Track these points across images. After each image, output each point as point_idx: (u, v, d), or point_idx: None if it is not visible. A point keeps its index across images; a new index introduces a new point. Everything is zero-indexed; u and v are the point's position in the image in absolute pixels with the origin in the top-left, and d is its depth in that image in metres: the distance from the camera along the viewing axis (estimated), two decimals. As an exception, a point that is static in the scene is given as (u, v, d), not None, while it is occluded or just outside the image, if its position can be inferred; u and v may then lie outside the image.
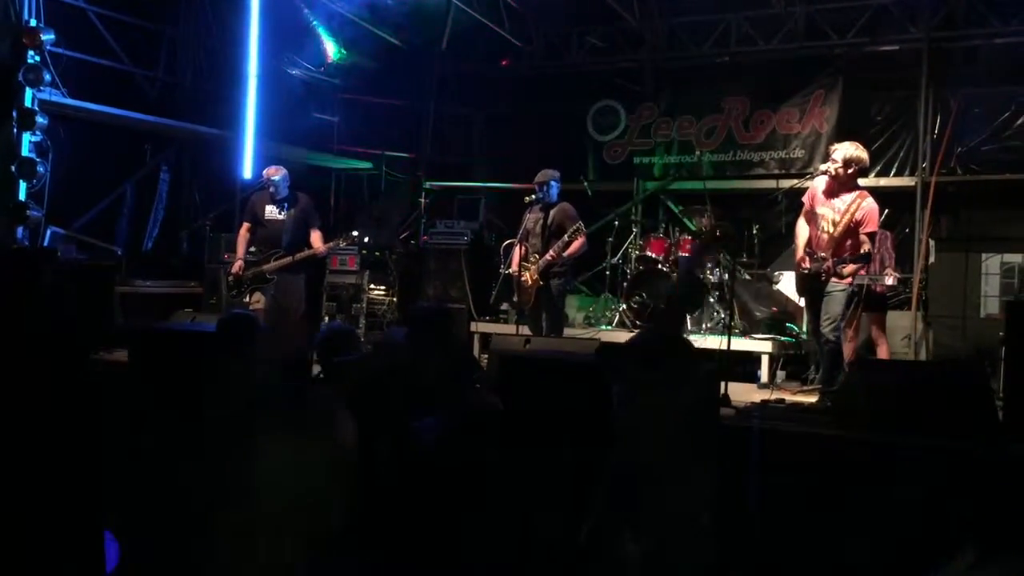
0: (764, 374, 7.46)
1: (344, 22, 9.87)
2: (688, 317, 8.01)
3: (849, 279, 5.86)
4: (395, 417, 3.04)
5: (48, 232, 7.63)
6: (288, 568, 1.34)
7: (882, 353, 6.98)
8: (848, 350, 6.46)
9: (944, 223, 8.78)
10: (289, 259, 7.08)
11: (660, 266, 8.39)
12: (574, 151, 9.92)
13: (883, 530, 4.02)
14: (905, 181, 8.72)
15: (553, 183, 7.00)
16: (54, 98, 7.58)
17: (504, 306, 8.72)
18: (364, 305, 9.07)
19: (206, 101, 9.25)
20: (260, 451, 1.36)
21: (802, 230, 6.15)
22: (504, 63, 10.80)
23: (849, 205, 5.82)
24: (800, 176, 8.10)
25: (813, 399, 6.14)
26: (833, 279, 5.86)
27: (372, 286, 9.24)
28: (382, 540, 2.89)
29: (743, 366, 7.43)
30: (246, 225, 7.27)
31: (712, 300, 8.16)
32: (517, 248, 7.16)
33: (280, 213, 7.17)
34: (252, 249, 7.28)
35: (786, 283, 6.82)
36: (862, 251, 5.73)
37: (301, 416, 1.42)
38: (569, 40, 10.43)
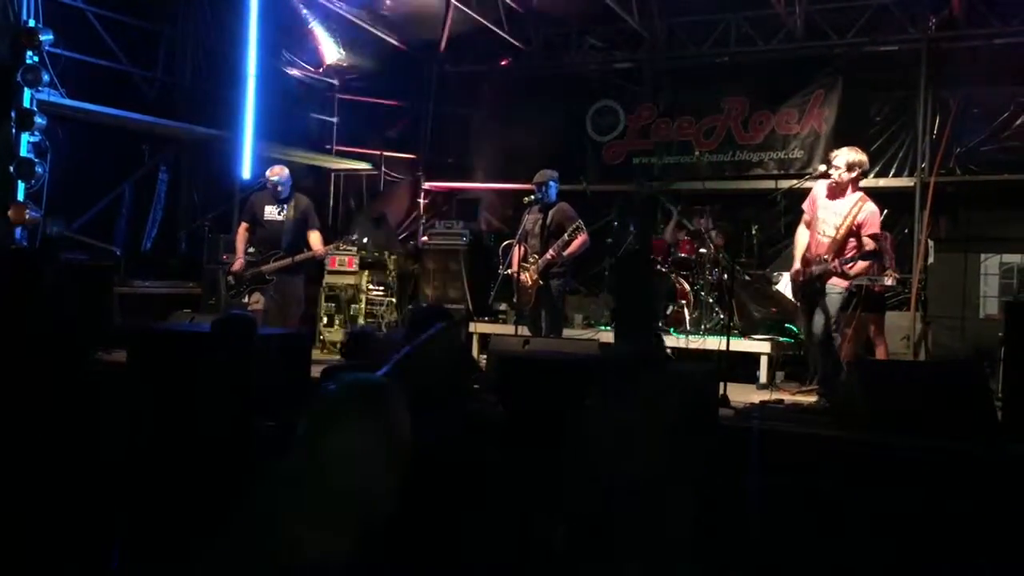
0: (763, 375, 7.46)
1: (343, 22, 9.87)
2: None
3: (848, 283, 5.90)
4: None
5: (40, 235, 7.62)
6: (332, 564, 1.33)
7: (881, 354, 6.97)
8: (847, 351, 6.47)
9: (943, 223, 8.77)
10: (289, 260, 7.09)
11: (659, 266, 8.40)
12: (573, 151, 9.91)
13: (882, 531, 4.02)
14: (904, 181, 8.72)
15: (552, 183, 7.00)
16: (52, 98, 7.57)
17: (503, 306, 8.72)
18: (363, 306, 9.07)
19: (205, 101, 9.24)
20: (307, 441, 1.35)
21: (801, 238, 6.19)
22: (503, 63, 10.80)
23: (851, 208, 5.88)
24: (799, 177, 8.12)
25: (812, 400, 6.14)
26: (833, 280, 5.88)
27: (371, 287, 9.24)
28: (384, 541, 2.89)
29: (742, 367, 7.42)
30: (244, 225, 7.27)
31: (711, 301, 8.16)
32: (516, 248, 7.16)
33: (280, 214, 7.18)
34: (251, 250, 7.28)
35: (785, 284, 6.82)
36: (867, 249, 5.76)
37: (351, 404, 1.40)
38: (568, 40, 10.42)
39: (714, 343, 7.03)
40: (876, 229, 5.92)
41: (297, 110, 10.13)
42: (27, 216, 7.33)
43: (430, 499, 2.96)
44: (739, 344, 7.40)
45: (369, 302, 9.15)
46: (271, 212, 7.20)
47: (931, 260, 8.40)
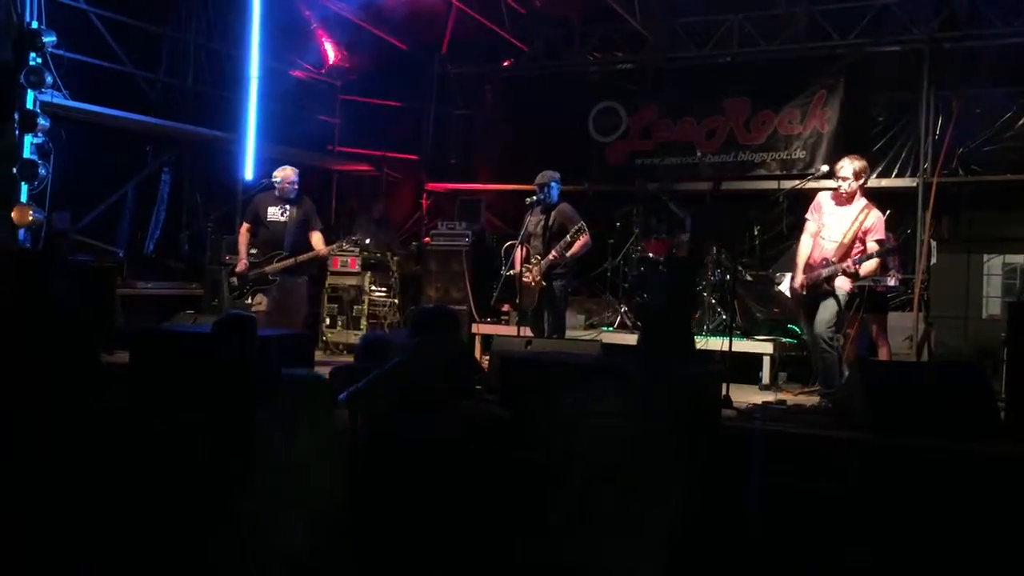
0: (766, 375, 7.45)
1: (345, 23, 9.88)
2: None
3: (851, 286, 5.94)
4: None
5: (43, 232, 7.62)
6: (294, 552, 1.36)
7: (883, 354, 6.98)
8: (850, 351, 6.47)
9: (946, 224, 8.77)
10: (292, 260, 7.11)
11: (661, 267, 8.40)
12: (575, 152, 9.90)
13: (884, 531, 4.01)
14: (907, 182, 8.72)
15: (554, 184, 7.00)
16: (56, 100, 7.58)
17: (505, 307, 8.72)
18: (365, 307, 9.08)
19: (207, 103, 9.25)
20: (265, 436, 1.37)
21: (804, 247, 6.21)
22: (505, 64, 10.81)
23: (857, 215, 5.99)
24: (801, 177, 8.11)
25: (814, 400, 6.14)
26: (839, 282, 5.92)
27: (373, 287, 9.24)
28: (382, 539, 2.90)
29: (744, 368, 7.42)
30: (246, 226, 7.29)
31: (713, 301, 8.15)
32: (518, 249, 7.16)
33: (283, 215, 7.22)
34: (253, 251, 7.29)
35: (787, 284, 6.83)
36: (880, 249, 5.82)
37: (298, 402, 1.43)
38: (570, 41, 10.43)
39: (716, 344, 7.03)
40: (882, 235, 6.02)
41: (299, 111, 10.14)
42: (31, 217, 7.33)
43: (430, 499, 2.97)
44: (741, 345, 7.39)
45: (372, 303, 9.15)
46: (274, 213, 7.23)
47: (934, 260, 8.40)
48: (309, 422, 1.29)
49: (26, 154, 7.38)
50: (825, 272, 5.96)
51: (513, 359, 5.51)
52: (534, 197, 7.08)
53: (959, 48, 8.66)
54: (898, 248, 7.16)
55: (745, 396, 6.34)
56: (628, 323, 8.46)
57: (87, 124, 8.25)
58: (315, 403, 1.31)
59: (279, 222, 7.21)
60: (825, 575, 4.01)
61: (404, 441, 2.99)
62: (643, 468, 1.63)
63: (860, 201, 6.07)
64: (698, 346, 7.49)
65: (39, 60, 7.36)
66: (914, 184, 8.57)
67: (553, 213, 6.96)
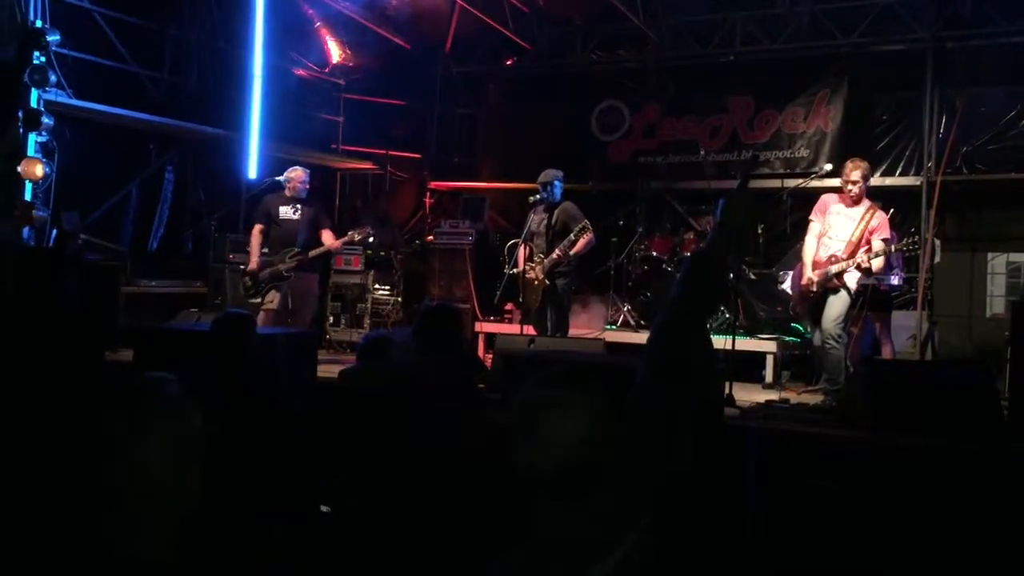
0: (769, 374, 7.45)
1: (348, 22, 9.88)
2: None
3: (857, 283, 5.97)
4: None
5: (54, 232, 7.64)
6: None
7: (887, 353, 6.98)
8: (853, 350, 6.48)
9: (949, 222, 8.76)
10: (304, 256, 7.20)
11: (664, 266, 8.39)
12: (578, 151, 9.90)
13: (887, 530, 4.01)
14: (910, 180, 8.71)
15: (557, 183, 7.00)
16: (59, 99, 7.59)
17: (509, 306, 8.72)
18: (369, 305, 9.09)
19: (211, 101, 9.25)
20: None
21: (809, 248, 6.22)
22: (508, 63, 10.81)
23: (864, 214, 6.06)
24: (805, 175, 8.12)
25: (818, 399, 6.14)
26: (846, 279, 5.94)
27: (377, 286, 9.26)
28: (384, 538, 2.90)
29: (748, 366, 7.42)
30: (259, 226, 7.37)
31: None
32: (521, 248, 7.17)
33: (295, 213, 7.33)
34: (264, 250, 7.37)
35: (789, 283, 6.83)
36: (883, 248, 5.90)
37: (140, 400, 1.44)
38: (573, 40, 10.42)
39: (720, 342, 7.02)
40: (887, 234, 6.08)
41: (303, 110, 10.15)
42: (34, 215, 7.35)
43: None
44: (745, 343, 7.39)
45: (375, 301, 9.16)
46: (286, 212, 7.34)
47: (937, 259, 8.39)
48: (154, 424, 1.30)
49: (30, 153, 7.40)
50: (834, 268, 5.98)
51: (516, 358, 5.52)
52: (537, 196, 7.08)
53: (963, 47, 8.64)
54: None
55: (748, 395, 6.34)
56: (631, 322, 8.45)
57: (91, 123, 8.26)
58: (162, 404, 1.32)
59: (292, 220, 7.32)
60: (826, 575, 4.01)
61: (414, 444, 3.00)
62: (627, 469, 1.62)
63: (865, 202, 6.13)
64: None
65: (43, 59, 7.38)
66: (918, 183, 8.57)
67: (556, 212, 6.96)
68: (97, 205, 8.61)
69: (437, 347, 3.33)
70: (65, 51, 7.71)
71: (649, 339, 1.95)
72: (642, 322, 8.35)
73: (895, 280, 6.84)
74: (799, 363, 7.75)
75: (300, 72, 10.26)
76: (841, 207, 6.12)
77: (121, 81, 8.50)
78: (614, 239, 8.85)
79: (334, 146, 10.74)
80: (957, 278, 8.64)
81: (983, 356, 7.34)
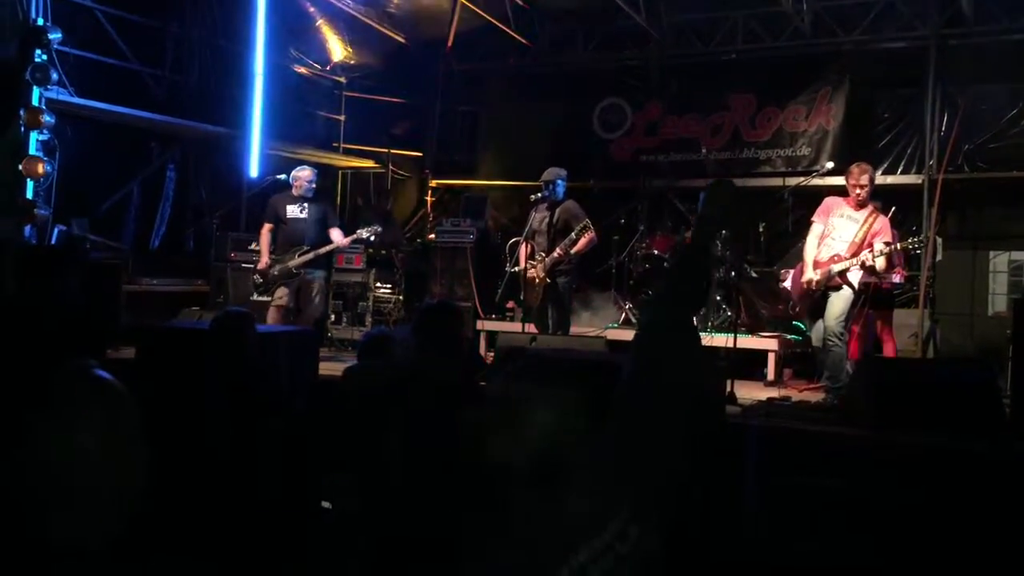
0: (770, 372, 7.45)
1: (350, 20, 9.87)
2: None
3: (859, 281, 5.98)
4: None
5: (56, 230, 7.65)
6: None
7: (889, 351, 6.98)
8: (855, 348, 6.48)
9: (951, 221, 8.76)
10: (313, 254, 7.22)
11: (666, 264, 8.38)
12: (579, 149, 9.89)
13: (887, 528, 4.01)
14: (912, 179, 8.70)
15: (560, 181, 6.99)
16: (61, 97, 7.59)
17: (510, 304, 8.72)
18: (370, 303, 9.09)
19: (212, 100, 9.26)
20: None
21: (810, 248, 6.22)
22: (510, 61, 10.80)
23: (867, 217, 6.06)
24: (807, 174, 8.11)
25: (819, 397, 6.14)
26: (849, 277, 5.94)
27: (378, 284, 9.26)
28: (388, 538, 2.90)
29: (749, 364, 7.42)
30: (268, 225, 7.43)
31: (718, 298, 8.14)
32: (523, 246, 7.17)
33: (302, 212, 7.37)
34: (272, 248, 7.40)
35: (789, 281, 6.83)
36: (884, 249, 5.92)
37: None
38: (575, 37, 10.41)
39: (721, 340, 7.02)
40: (889, 237, 6.08)
41: (304, 108, 10.15)
42: (36, 214, 7.36)
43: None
44: (746, 341, 7.37)
45: (377, 300, 9.17)
46: (293, 211, 7.38)
47: (939, 257, 8.38)
48: (89, 417, 1.32)
49: (32, 151, 7.40)
50: (837, 268, 5.98)
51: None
52: (539, 194, 7.08)
53: (965, 44, 8.63)
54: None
55: (750, 393, 6.34)
56: (633, 320, 8.45)
57: (92, 121, 8.26)
58: (96, 398, 1.34)
59: (299, 219, 7.36)
60: (828, 573, 4.01)
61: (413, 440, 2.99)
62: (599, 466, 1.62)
63: (869, 205, 6.16)
64: (703, 342, 7.52)
65: (44, 57, 7.38)
66: (920, 181, 8.56)
67: (558, 210, 6.96)
68: (99, 203, 8.62)
69: (436, 345, 3.32)
70: (67, 49, 7.71)
71: (635, 336, 1.96)
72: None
73: (897, 278, 6.85)
74: (801, 361, 7.75)
75: (301, 70, 10.26)
76: (847, 209, 6.13)
77: (122, 79, 8.50)
78: (616, 237, 8.85)
79: (335, 144, 10.74)
80: (959, 276, 8.64)
81: (985, 354, 7.34)
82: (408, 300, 9.27)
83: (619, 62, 10.31)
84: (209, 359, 3.73)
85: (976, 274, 8.76)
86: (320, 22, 9.93)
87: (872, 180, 6.11)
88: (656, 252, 8.56)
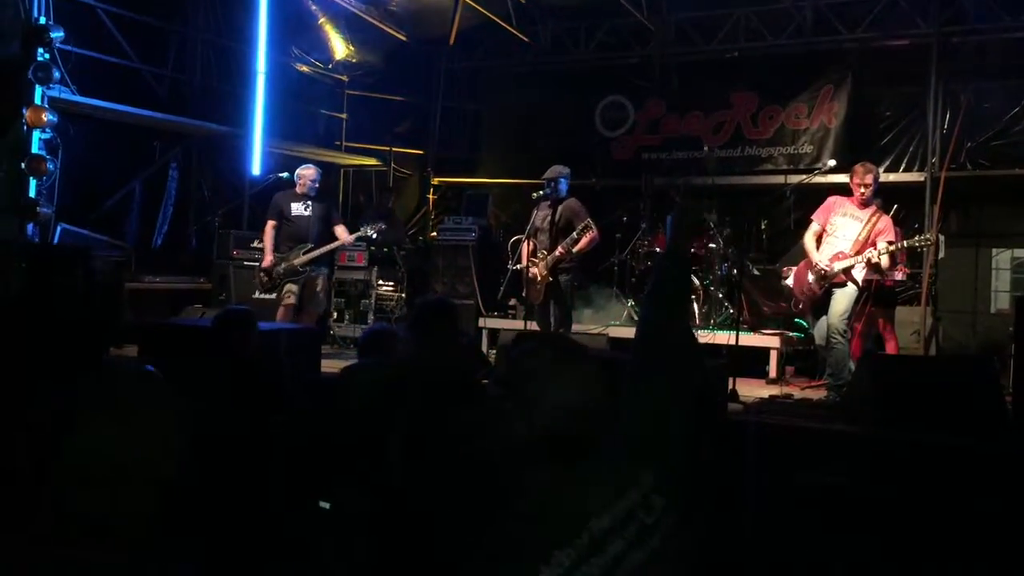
0: (772, 369, 7.45)
1: (352, 18, 9.88)
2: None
3: (862, 278, 5.98)
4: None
5: (59, 229, 7.67)
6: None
7: (891, 348, 6.98)
8: (857, 345, 6.48)
9: (954, 218, 8.75)
10: (318, 252, 7.24)
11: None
12: (581, 147, 9.89)
13: (889, 525, 4.01)
14: (915, 176, 8.70)
15: (563, 179, 6.99)
16: (63, 96, 7.60)
17: (512, 302, 8.72)
18: (372, 301, 9.10)
19: (215, 98, 9.27)
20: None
21: (810, 246, 6.21)
22: (512, 59, 10.80)
23: (871, 216, 6.06)
24: (808, 172, 8.10)
25: (822, 395, 6.14)
26: (853, 274, 5.94)
27: (380, 282, 9.26)
28: (396, 537, 2.91)
29: (751, 362, 7.41)
30: (272, 223, 7.44)
31: (721, 295, 8.15)
32: (525, 244, 7.17)
33: (306, 210, 7.39)
34: (276, 246, 7.42)
35: (791, 278, 6.83)
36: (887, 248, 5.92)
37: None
38: (577, 35, 10.41)
39: (723, 338, 7.03)
40: (892, 236, 6.07)
41: (306, 106, 10.15)
42: (39, 212, 7.37)
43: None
44: (748, 339, 7.38)
45: (379, 298, 9.17)
46: (297, 209, 7.40)
47: (942, 255, 8.37)
48: (129, 412, 1.34)
49: (34, 149, 7.41)
50: (839, 265, 5.97)
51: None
52: (541, 192, 7.07)
53: (967, 42, 8.63)
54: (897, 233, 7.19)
55: (751, 390, 6.34)
56: (635, 318, 8.45)
57: (95, 120, 8.27)
58: (138, 392, 1.36)
59: (304, 217, 7.38)
60: (829, 571, 4.02)
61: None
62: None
63: (872, 204, 6.15)
64: (705, 340, 7.52)
65: (47, 56, 7.38)
66: (922, 178, 8.56)
67: (560, 208, 6.95)
68: (101, 202, 8.63)
69: (432, 341, 3.32)
70: (69, 48, 7.72)
71: (635, 334, 1.99)
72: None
73: (899, 275, 6.85)
74: (803, 358, 7.75)
75: (303, 68, 10.26)
76: (850, 207, 6.12)
77: (125, 78, 8.51)
78: (618, 235, 8.84)
79: (337, 142, 10.74)
80: (961, 274, 8.64)
81: (987, 352, 7.33)
82: (410, 298, 9.28)
83: (621, 60, 10.31)
84: (211, 357, 3.73)
85: (978, 271, 8.76)
86: (322, 20, 9.93)
87: (876, 179, 6.09)
88: (658, 250, 8.56)
